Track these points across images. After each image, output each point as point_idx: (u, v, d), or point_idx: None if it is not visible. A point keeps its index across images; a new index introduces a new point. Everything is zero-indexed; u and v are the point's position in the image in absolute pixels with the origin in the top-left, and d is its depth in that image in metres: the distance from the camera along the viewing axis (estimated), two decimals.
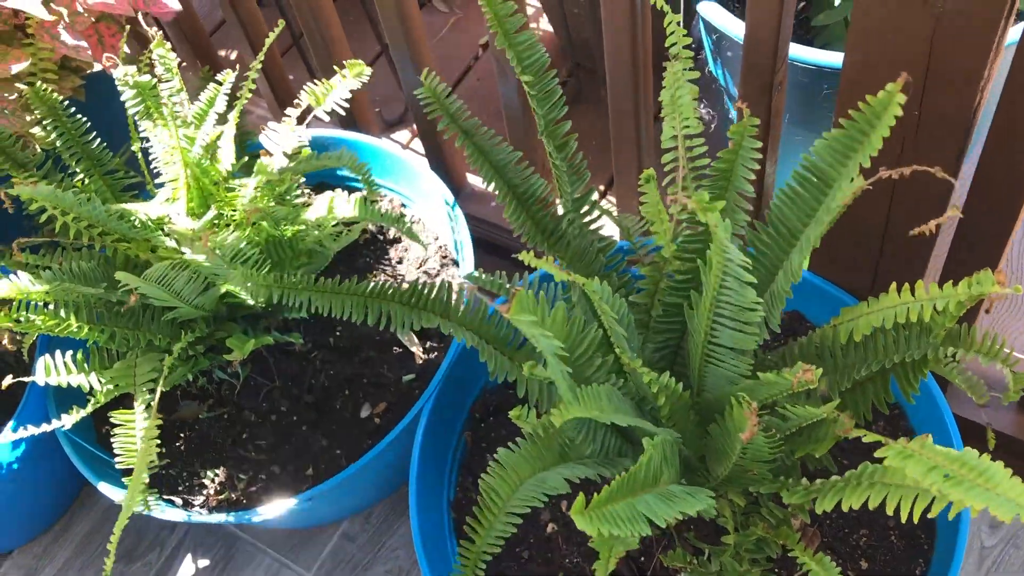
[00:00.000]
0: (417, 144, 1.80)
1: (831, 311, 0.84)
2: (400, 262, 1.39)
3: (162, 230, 1.08)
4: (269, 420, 1.25)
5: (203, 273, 0.98)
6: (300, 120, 1.11)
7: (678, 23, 0.89)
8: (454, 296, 0.92)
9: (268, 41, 1.09)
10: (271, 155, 1.18)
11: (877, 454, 0.58)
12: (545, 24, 1.89)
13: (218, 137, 1.06)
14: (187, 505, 1.21)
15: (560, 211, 0.87)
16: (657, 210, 0.87)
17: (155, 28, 1.09)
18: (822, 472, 0.83)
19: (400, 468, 1.27)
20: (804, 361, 0.85)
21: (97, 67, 1.23)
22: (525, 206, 0.85)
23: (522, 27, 0.78)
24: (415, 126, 1.81)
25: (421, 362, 1.29)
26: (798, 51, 1.10)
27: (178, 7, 1.21)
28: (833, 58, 1.15)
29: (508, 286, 0.95)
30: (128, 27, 1.13)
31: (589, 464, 0.78)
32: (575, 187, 0.87)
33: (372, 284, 0.89)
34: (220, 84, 1.08)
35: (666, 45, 0.90)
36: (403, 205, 1.45)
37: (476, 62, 1.91)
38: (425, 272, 1.37)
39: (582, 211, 0.90)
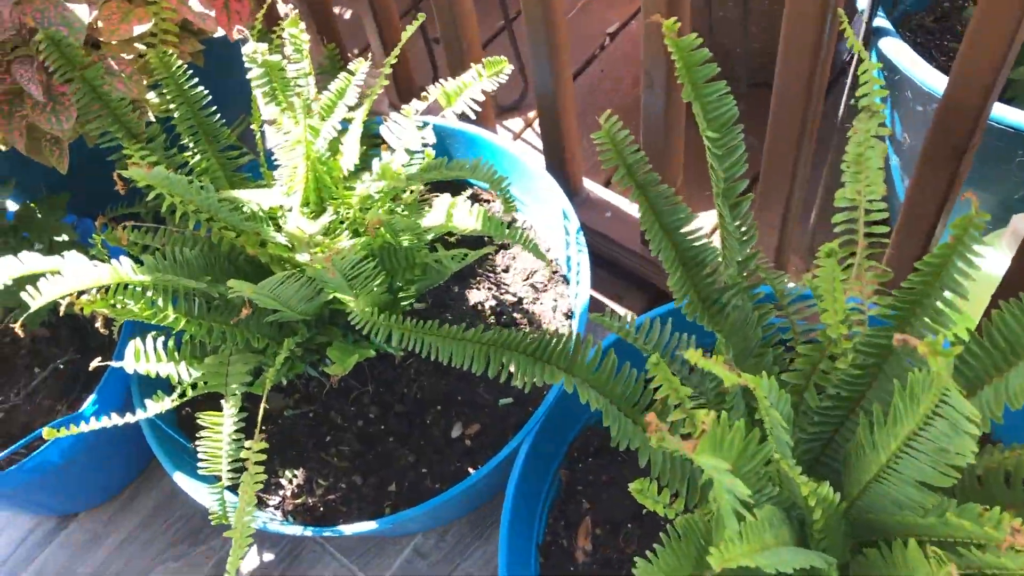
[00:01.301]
0: (530, 135, 1.71)
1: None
2: (507, 271, 1.31)
3: (275, 223, 1.01)
4: (356, 426, 1.18)
5: (317, 283, 0.91)
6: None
7: (873, 72, 0.78)
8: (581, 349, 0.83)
9: (407, 32, 1.00)
10: (392, 150, 1.10)
11: None
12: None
13: (343, 132, 0.98)
14: (262, 504, 1.16)
15: (723, 278, 0.78)
16: (832, 288, 0.77)
17: (289, 5, 1.00)
18: None
19: (485, 491, 1.20)
20: (989, 488, 0.75)
21: (219, 32, 1.15)
22: (691, 274, 0.75)
23: (713, 77, 0.68)
24: (534, 118, 1.71)
25: (519, 386, 1.20)
26: (998, 111, 0.98)
27: None
28: None
29: (643, 343, 0.86)
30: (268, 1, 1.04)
31: None
32: (743, 249, 0.77)
33: (495, 332, 0.80)
34: (352, 74, 1.00)
35: (857, 95, 0.79)
36: (516, 209, 1.36)
37: (602, 52, 1.80)
38: (532, 286, 1.28)
39: (745, 274, 0.80)
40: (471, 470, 1.14)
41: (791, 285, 0.89)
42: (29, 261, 0.89)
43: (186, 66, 1.03)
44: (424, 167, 0.98)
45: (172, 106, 1.02)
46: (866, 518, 0.73)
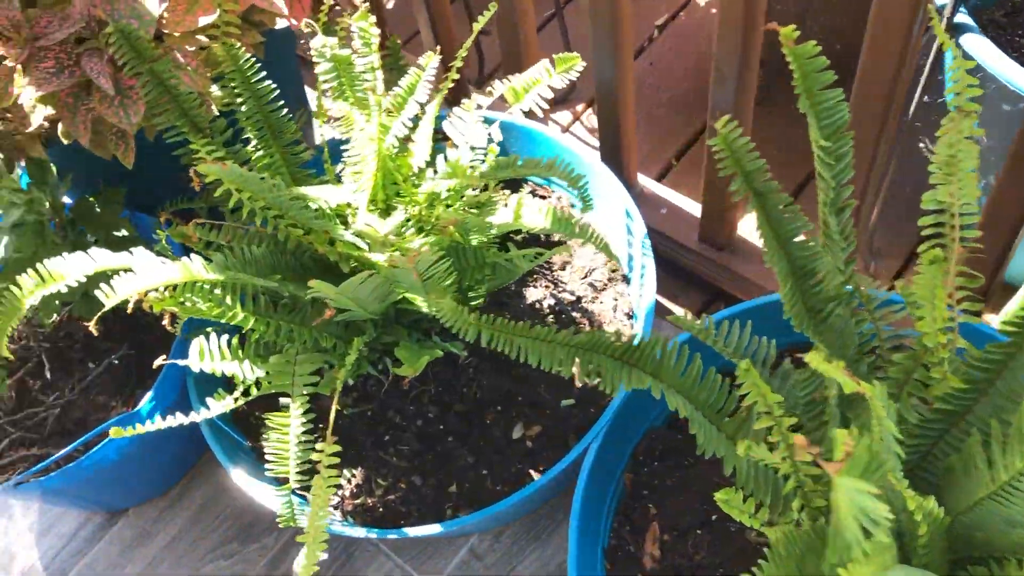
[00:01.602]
0: (579, 130, 1.68)
1: None
2: (563, 268, 1.29)
3: (343, 221, 0.99)
4: (415, 425, 1.16)
5: (390, 283, 0.89)
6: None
7: (965, 70, 0.75)
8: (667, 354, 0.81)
9: (479, 24, 0.98)
10: (455, 147, 1.08)
11: None
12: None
13: (413, 129, 0.95)
14: None
15: (829, 288, 0.75)
16: (932, 295, 0.75)
17: None
18: None
19: (546, 493, 1.18)
20: None
21: (280, 23, 1.13)
22: (801, 285, 0.73)
23: (829, 84, 0.66)
24: (583, 111, 1.69)
25: (580, 386, 1.18)
26: None
27: None
28: None
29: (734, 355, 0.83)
30: None
31: None
32: (845, 253, 0.75)
33: (586, 335, 0.78)
34: (422, 69, 0.98)
35: (946, 92, 0.77)
36: (572, 205, 1.34)
37: (651, 44, 1.77)
38: (591, 284, 1.26)
39: (845, 279, 0.78)
40: (532, 472, 1.12)
41: (878, 290, 0.87)
42: (101, 258, 0.87)
43: (254, 59, 1.01)
44: (496, 165, 0.95)
45: (239, 100, 1.00)
46: (971, 535, 0.71)
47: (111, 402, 1.22)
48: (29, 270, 0.82)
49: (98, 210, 1.12)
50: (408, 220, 0.95)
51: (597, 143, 1.41)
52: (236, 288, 0.95)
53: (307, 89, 1.52)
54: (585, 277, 1.27)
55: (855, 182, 1.07)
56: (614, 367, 0.80)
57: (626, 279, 1.26)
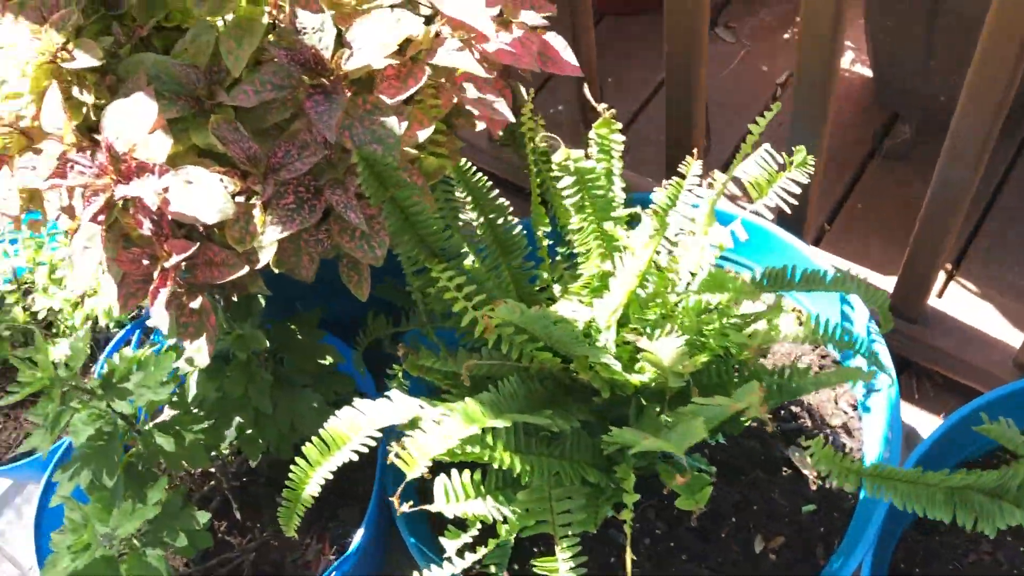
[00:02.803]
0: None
1: None
2: (764, 356, 1.21)
3: (593, 343, 0.92)
4: (642, 544, 1.08)
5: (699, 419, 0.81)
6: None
7: None
8: None
9: (754, 132, 0.91)
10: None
11: None
12: (859, 68, 1.69)
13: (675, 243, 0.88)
14: None
15: None
16: None
17: (603, 105, 0.91)
18: None
19: None
20: None
21: (480, 126, 1.06)
22: None
23: None
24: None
25: (816, 488, 1.11)
26: None
27: (576, 65, 1.03)
28: None
29: None
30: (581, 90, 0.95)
31: None
32: None
33: (960, 476, 0.71)
34: (682, 177, 0.91)
35: None
36: (794, 309, 1.24)
37: (773, 103, 1.71)
38: None
39: None
40: None
41: None
42: (369, 408, 0.79)
43: (486, 177, 0.93)
44: (772, 277, 0.88)
45: (473, 218, 0.93)
46: None
47: (305, 539, 1.13)
48: (314, 438, 0.74)
49: (300, 337, 1.04)
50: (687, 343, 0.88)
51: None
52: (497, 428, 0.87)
53: None
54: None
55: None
56: (986, 503, 0.72)
57: (839, 362, 1.19)
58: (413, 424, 0.83)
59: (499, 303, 0.78)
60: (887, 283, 1.37)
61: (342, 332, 1.17)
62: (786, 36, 1.82)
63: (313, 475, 0.75)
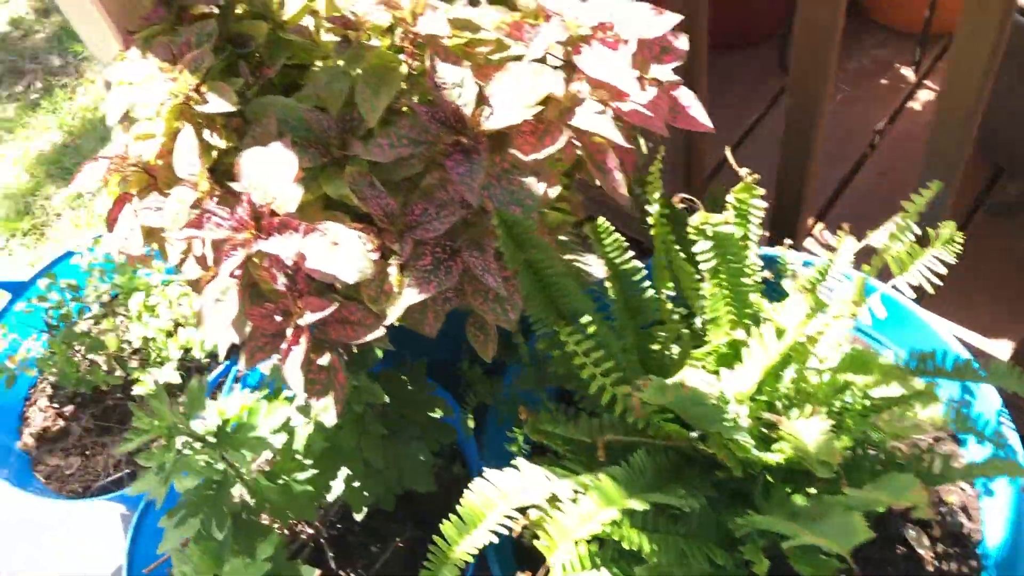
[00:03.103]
0: None
1: None
2: None
3: (730, 420, 0.88)
4: None
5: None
6: None
7: None
8: None
9: (918, 201, 0.87)
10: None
11: None
12: None
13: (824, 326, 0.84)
14: None
15: None
16: None
17: (745, 170, 0.88)
18: None
19: None
20: None
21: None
22: None
23: None
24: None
25: (933, 570, 1.06)
26: None
27: (709, 124, 0.99)
28: None
29: None
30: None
31: None
32: None
33: None
34: (834, 250, 0.87)
35: None
36: None
37: (873, 151, 1.67)
38: (914, 444, 1.14)
39: None
40: None
41: None
42: (502, 481, 0.77)
43: (623, 239, 0.90)
44: (921, 361, 0.84)
45: (607, 281, 0.90)
46: None
47: None
48: (451, 515, 0.71)
49: (410, 388, 1.01)
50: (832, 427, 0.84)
51: None
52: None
53: None
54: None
55: None
56: None
57: (957, 439, 1.14)
58: None
59: (645, 382, 0.75)
60: (997, 347, 1.32)
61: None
62: (883, 81, 1.77)
63: (455, 553, 0.72)
